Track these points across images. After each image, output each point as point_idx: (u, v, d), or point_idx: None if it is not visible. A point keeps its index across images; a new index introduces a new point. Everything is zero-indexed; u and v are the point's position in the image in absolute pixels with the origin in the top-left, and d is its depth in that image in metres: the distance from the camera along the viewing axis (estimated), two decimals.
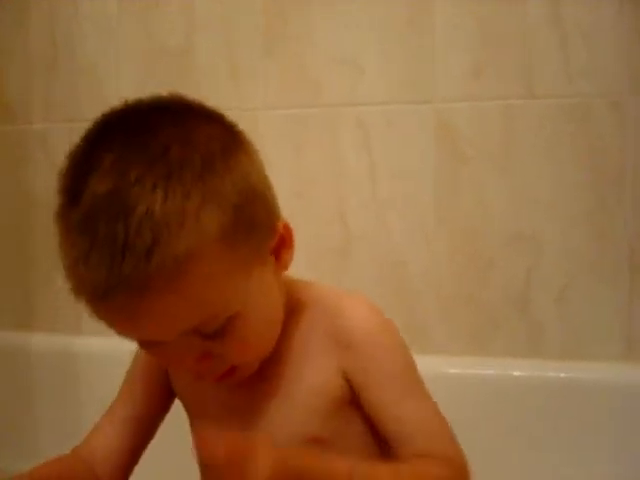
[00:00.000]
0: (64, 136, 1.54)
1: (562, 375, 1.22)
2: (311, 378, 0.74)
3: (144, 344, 0.69)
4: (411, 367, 0.76)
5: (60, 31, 1.55)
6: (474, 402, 1.22)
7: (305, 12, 1.38)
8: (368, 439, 0.76)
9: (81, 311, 0.69)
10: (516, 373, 1.24)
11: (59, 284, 0.65)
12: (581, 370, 1.23)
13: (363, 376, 0.74)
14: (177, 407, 0.83)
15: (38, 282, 1.56)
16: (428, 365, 1.25)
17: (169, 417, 0.83)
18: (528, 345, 1.28)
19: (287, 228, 0.72)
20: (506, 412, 1.22)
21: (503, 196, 1.29)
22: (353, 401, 0.75)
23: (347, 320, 0.74)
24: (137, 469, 0.82)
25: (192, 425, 0.81)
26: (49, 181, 1.67)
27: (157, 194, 0.60)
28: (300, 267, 1.45)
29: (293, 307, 0.76)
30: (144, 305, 0.61)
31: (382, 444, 0.75)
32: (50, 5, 1.56)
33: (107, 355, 1.45)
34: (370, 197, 1.35)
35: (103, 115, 0.68)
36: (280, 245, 0.72)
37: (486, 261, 1.30)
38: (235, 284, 0.66)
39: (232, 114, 1.55)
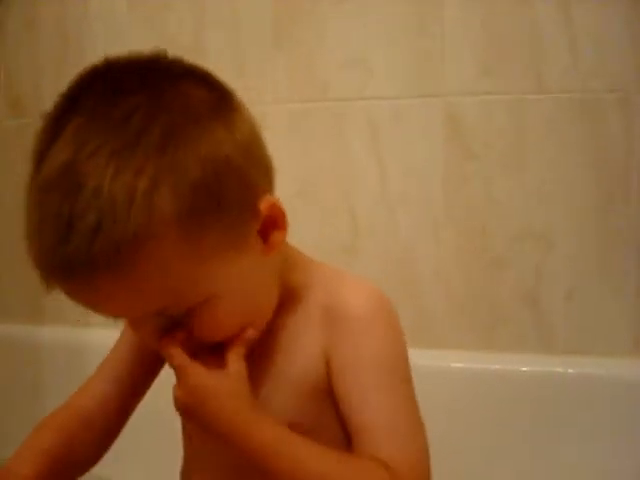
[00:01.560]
0: None
1: (570, 371, 1.22)
2: (295, 358, 0.71)
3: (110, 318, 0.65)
4: (395, 360, 0.70)
5: (70, 28, 1.55)
6: (482, 397, 1.22)
7: (314, 9, 1.38)
8: (345, 433, 0.71)
9: None
10: (524, 368, 1.24)
11: None
12: (589, 366, 1.23)
13: (340, 356, 0.69)
14: None
15: None
16: (435, 360, 1.27)
17: None
18: (536, 340, 1.28)
19: (275, 207, 0.65)
20: (514, 407, 1.22)
21: (512, 192, 1.29)
22: (331, 389, 0.71)
23: (341, 298, 0.70)
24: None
25: None
26: None
27: (108, 170, 0.55)
28: None
29: (292, 287, 0.72)
30: (93, 288, 0.58)
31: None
32: (60, 2, 1.56)
33: None
34: (378, 193, 1.35)
35: (83, 71, 0.63)
36: (268, 226, 0.65)
37: (494, 257, 1.30)
38: (201, 270, 0.60)
39: None
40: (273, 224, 0.65)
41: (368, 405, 0.68)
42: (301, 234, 1.36)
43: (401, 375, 0.70)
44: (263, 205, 0.63)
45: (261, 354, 0.71)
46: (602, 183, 1.25)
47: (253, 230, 0.64)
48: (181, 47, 1.46)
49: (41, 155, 0.59)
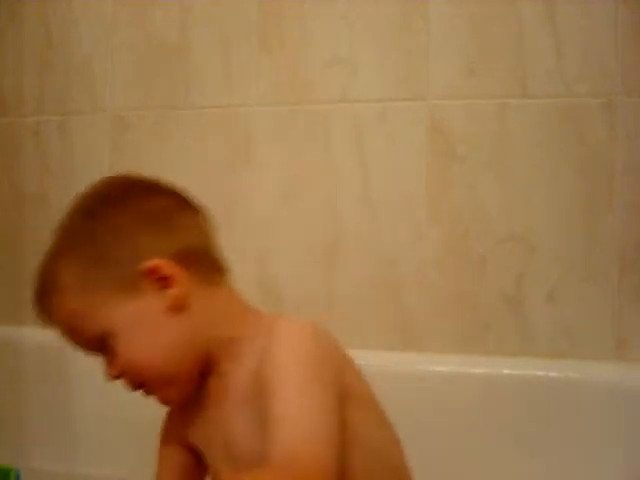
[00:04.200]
0: (56, 129, 1.54)
1: (552, 374, 1.22)
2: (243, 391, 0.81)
3: None
4: (310, 368, 0.77)
5: (55, 25, 1.54)
6: (464, 400, 1.22)
7: (299, 10, 1.38)
8: None
9: None
10: (506, 371, 1.23)
11: None
12: (571, 369, 1.22)
13: (265, 379, 0.77)
14: None
15: (29, 275, 1.54)
16: (418, 363, 1.27)
17: None
18: (519, 344, 1.28)
19: (159, 269, 0.80)
20: (496, 411, 1.22)
21: (495, 195, 1.29)
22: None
23: (274, 335, 0.79)
24: None
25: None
26: (40, 174, 1.67)
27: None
28: (292, 266, 1.45)
29: (232, 338, 0.83)
30: (41, 311, 0.85)
31: None
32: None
33: None
34: (362, 195, 1.35)
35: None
36: (162, 284, 0.81)
37: (478, 260, 1.30)
38: (98, 309, 0.81)
39: (225, 111, 1.54)
40: (164, 283, 0.81)
41: (277, 400, 0.75)
42: (285, 236, 1.36)
43: (311, 379, 0.76)
44: (148, 264, 0.81)
45: (219, 398, 0.84)
46: (586, 187, 1.25)
47: (142, 282, 0.81)
48: (167, 46, 1.46)
49: None
